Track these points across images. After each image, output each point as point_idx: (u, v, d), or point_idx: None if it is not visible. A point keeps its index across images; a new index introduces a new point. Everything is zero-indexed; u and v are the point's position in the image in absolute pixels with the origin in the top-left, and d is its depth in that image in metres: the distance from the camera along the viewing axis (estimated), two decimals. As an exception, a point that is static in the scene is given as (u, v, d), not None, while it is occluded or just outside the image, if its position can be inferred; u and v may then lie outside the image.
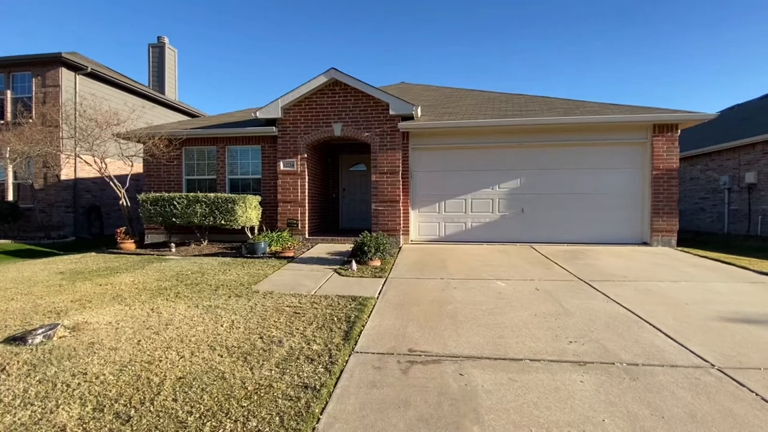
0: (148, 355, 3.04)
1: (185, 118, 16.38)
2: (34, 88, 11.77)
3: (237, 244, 8.15)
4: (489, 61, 68.71)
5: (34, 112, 11.59)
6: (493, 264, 6.51)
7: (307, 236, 8.77)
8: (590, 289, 4.97)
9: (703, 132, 13.42)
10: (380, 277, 5.71)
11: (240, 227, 7.99)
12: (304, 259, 7.04)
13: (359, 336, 3.46)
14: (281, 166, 8.76)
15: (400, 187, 8.42)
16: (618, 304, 4.33)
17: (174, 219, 8.03)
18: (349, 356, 3.06)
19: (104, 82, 13.15)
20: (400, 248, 8.07)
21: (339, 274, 5.91)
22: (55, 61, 11.54)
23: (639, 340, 3.32)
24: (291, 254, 7.28)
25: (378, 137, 8.44)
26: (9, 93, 11.99)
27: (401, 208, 8.45)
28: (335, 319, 3.88)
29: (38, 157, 10.56)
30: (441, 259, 6.97)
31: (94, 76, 12.80)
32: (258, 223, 8.57)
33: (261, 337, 3.39)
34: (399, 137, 8.42)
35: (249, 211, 8.12)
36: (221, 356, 3.03)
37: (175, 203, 7.98)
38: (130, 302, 4.42)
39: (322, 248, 7.98)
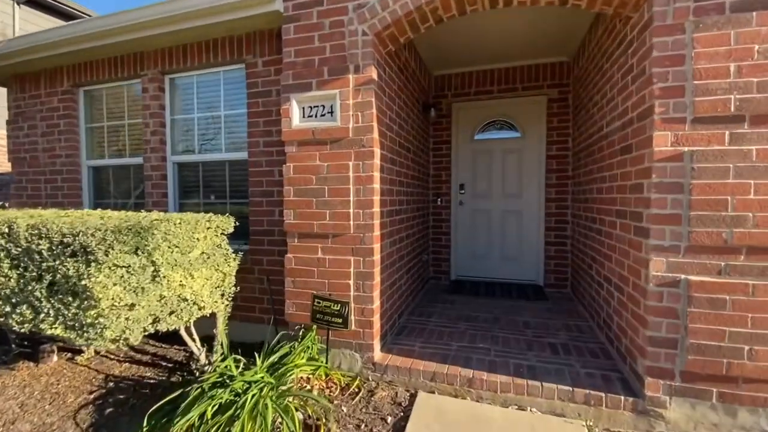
0: None
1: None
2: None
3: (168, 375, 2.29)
4: None
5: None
6: None
7: (376, 357, 2.57)
8: None
9: None
10: None
11: (117, 340, 2.12)
12: None
13: None
14: (294, 117, 2.65)
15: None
16: None
17: (-52, 299, 2.45)
18: None
19: (66, 17, 8.45)
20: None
21: None
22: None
23: None
24: None
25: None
26: None
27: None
28: None
29: None
30: None
31: (44, 7, 8.22)
32: (224, 303, 2.68)
33: None
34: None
35: (171, 280, 2.19)
36: None
37: (-57, 248, 2.38)
38: None
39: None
